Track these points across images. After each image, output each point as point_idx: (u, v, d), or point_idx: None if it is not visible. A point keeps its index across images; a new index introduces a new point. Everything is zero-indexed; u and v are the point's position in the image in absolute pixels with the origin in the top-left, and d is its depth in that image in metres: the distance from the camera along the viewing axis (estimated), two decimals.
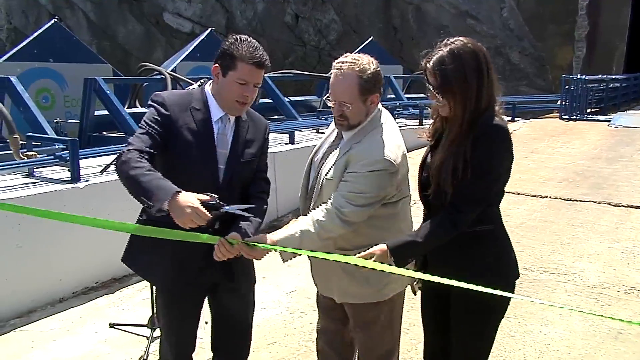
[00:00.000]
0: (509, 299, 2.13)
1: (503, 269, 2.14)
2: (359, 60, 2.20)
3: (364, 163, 2.17)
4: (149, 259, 2.28)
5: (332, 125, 2.43)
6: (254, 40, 2.17)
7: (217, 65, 2.18)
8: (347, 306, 2.43)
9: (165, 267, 2.26)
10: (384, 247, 2.04)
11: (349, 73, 2.17)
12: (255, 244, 2.05)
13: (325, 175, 2.27)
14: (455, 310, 2.16)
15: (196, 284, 2.31)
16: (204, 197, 1.92)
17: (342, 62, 2.20)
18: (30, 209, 2.34)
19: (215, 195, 1.96)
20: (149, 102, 2.22)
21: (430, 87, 2.06)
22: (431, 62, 2.03)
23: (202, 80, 3.22)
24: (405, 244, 2.05)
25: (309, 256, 2.24)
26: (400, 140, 2.28)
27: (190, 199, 1.87)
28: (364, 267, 2.02)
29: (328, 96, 2.27)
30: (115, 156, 4.12)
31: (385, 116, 2.33)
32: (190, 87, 3.23)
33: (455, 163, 1.98)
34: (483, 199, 2.04)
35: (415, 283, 2.40)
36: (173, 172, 2.06)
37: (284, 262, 2.17)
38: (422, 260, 2.22)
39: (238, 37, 2.16)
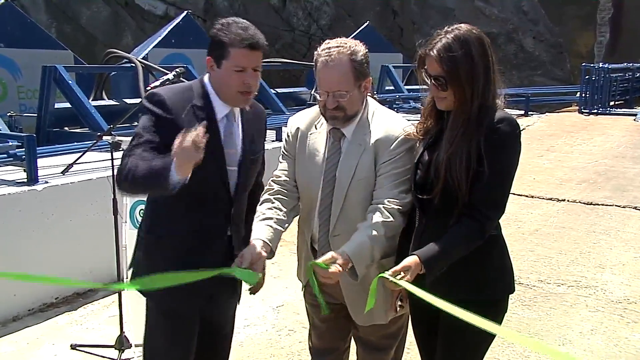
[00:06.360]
0: (501, 319, 2.19)
1: (506, 279, 2.19)
2: (346, 43, 2.22)
3: (394, 146, 2.22)
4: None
5: (317, 131, 2.38)
6: (243, 21, 2.18)
7: (209, 57, 2.20)
8: (364, 327, 2.42)
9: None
10: (416, 258, 2.01)
11: (341, 58, 2.18)
12: (322, 264, 2.06)
13: (352, 179, 2.26)
14: (443, 325, 2.18)
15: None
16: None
17: (329, 48, 2.20)
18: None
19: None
20: (144, 104, 2.22)
21: (431, 78, 2.07)
22: (435, 50, 2.04)
23: (177, 70, 3.22)
24: (436, 255, 2.02)
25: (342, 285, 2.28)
26: None
27: (184, 139, 1.91)
28: (401, 286, 1.98)
29: (316, 90, 2.27)
30: (78, 154, 4.13)
31: (373, 101, 2.38)
32: (164, 77, 3.24)
33: (468, 158, 2.00)
34: (505, 201, 2.09)
35: (395, 299, 2.42)
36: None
37: (357, 279, 2.15)
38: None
39: (224, 22, 2.18)
